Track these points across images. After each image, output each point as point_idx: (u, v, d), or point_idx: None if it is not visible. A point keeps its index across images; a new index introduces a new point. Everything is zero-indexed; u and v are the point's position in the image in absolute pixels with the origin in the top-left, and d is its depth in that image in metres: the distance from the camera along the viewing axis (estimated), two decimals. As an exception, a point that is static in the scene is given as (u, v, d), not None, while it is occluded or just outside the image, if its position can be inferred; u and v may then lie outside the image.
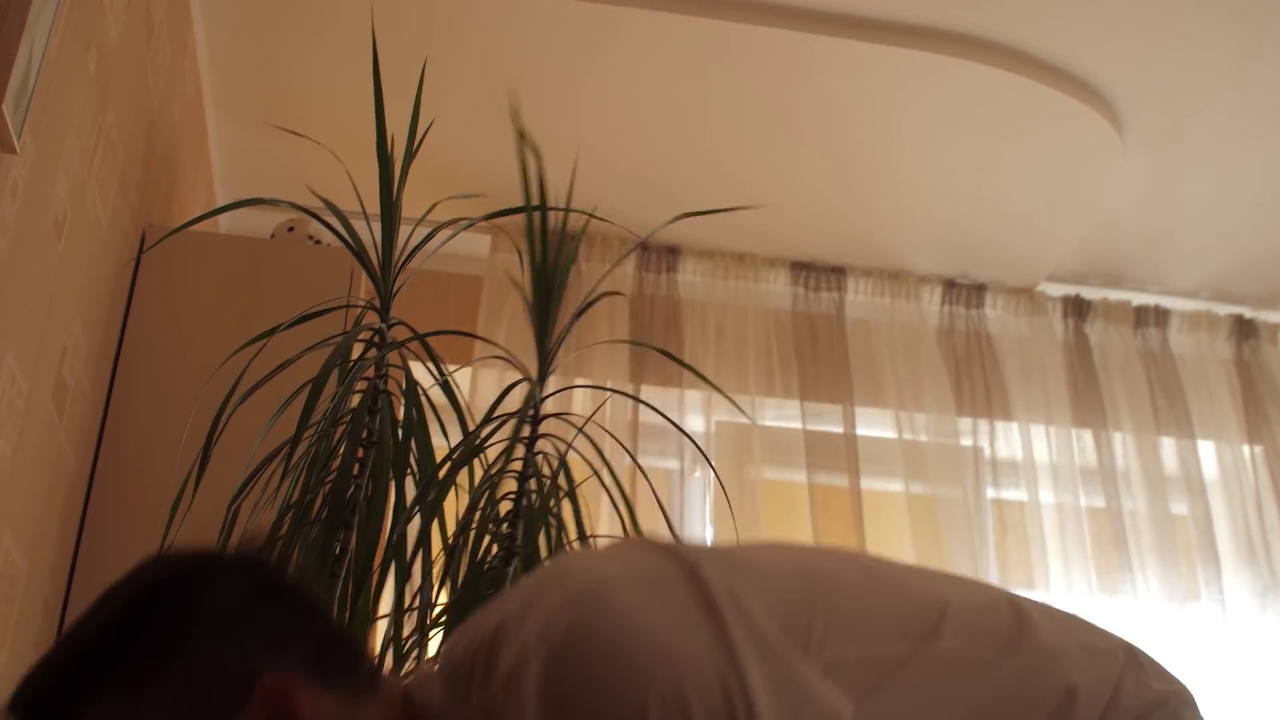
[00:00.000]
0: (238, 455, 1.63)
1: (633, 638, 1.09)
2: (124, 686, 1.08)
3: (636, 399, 2.96)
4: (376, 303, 1.68)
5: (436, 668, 1.20)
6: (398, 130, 1.78)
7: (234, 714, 1.09)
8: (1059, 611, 1.37)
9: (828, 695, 1.15)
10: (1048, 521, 3.43)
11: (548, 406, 1.73)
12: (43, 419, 1.92)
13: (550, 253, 1.65)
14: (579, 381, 3.14)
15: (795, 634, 1.18)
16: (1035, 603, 1.37)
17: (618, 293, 3.29)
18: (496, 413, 1.73)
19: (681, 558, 1.17)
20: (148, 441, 2.23)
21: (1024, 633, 1.31)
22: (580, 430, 1.75)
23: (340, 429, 1.55)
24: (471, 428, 1.68)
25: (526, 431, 1.66)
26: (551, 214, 1.70)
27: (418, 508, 1.54)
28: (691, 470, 3.34)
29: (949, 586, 1.35)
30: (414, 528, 1.57)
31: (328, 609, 1.22)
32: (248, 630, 1.12)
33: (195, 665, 1.09)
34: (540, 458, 1.70)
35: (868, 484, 3.34)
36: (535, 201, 1.69)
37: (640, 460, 3.02)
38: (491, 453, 1.70)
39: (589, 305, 1.74)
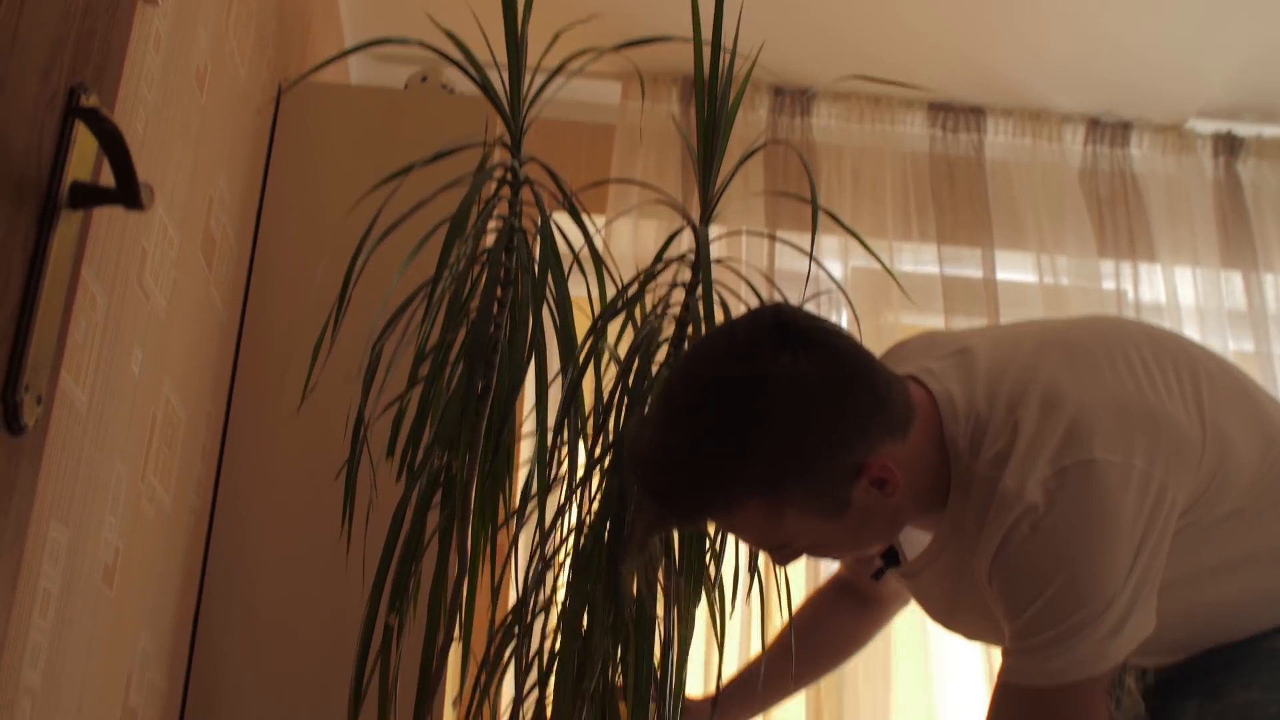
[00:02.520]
0: (378, 298, 1.66)
1: (1103, 531, 1.31)
2: (764, 491, 1.32)
3: (776, 238, 2.94)
4: (508, 138, 1.68)
5: (960, 400, 1.42)
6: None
7: (849, 493, 1.35)
8: None
9: (1151, 610, 1.35)
10: (1193, 365, 3.34)
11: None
12: (193, 271, 1.97)
13: (717, 95, 1.62)
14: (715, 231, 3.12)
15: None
16: None
17: (783, 141, 3.26)
18: (651, 260, 1.72)
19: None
20: (291, 289, 2.28)
21: None
22: (739, 275, 1.75)
23: (478, 268, 1.56)
24: (613, 275, 1.68)
25: (688, 277, 1.66)
26: (702, 57, 1.67)
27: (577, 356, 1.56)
28: (828, 317, 3.32)
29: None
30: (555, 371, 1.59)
31: (878, 368, 1.40)
32: (849, 421, 1.34)
33: (817, 463, 1.33)
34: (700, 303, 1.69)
35: (1007, 329, 3.28)
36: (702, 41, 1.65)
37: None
38: (648, 300, 1.70)
39: (754, 152, 1.72)
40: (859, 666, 2.88)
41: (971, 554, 1.39)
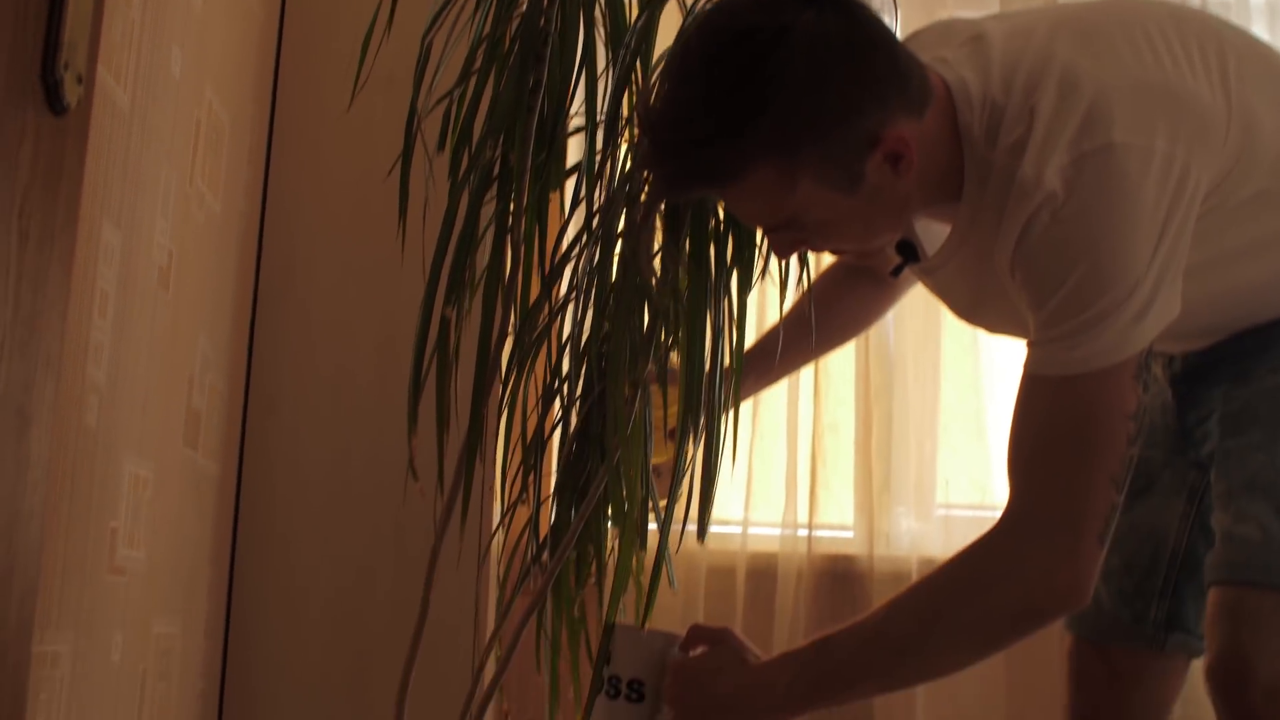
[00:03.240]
0: (423, -7, 1.60)
1: (1125, 216, 1.28)
2: (779, 153, 1.28)
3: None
4: None
5: (975, 88, 1.38)
6: None
7: (863, 165, 1.31)
8: None
9: (1176, 293, 1.34)
10: None
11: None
12: (227, -32, 1.92)
13: None
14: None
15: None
16: None
17: None
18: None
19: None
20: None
21: None
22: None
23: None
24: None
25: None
26: None
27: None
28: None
29: None
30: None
31: (899, 43, 1.37)
32: (869, 87, 1.29)
33: (834, 125, 1.28)
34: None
35: None
36: None
37: None
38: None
39: None
40: (909, 369, 2.91)
41: (991, 246, 1.36)
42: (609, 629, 1.48)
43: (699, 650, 1.47)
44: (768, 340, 1.71)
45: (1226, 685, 1.49)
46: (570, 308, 1.53)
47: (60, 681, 1.41)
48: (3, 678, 0.98)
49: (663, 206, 1.48)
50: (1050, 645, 2.55)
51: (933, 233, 1.50)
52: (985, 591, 1.35)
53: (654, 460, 1.60)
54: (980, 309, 1.55)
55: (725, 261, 1.50)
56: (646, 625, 1.54)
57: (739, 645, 1.45)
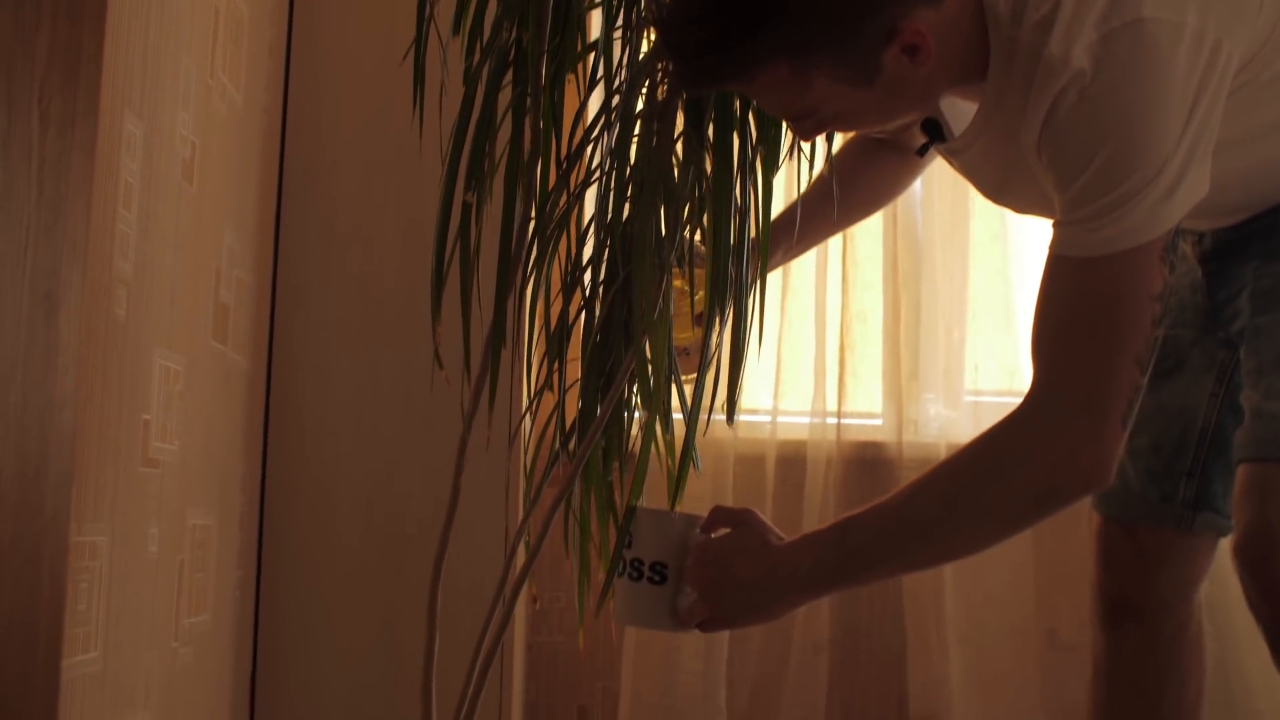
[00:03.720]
0: None
1: (1153, 94, 1.26)
2: (792, 53, 1.27)
3: None
4: None
5: None
6: None
7: (879, 59, 1.30)
8: None
9: (1205, 171, 1.32)
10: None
11: None
12: None
13: None
14: None
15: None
16: None
17: None
18: None
19: None
20: None
21: None
22: None
23: None
24: None
25: None
26: None
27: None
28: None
29: None
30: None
31: None
32: None
33: (847, 22, 1.27)
34: None
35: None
36: None
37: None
38: None
39: None
40: (937, 255, 2.89)
41: (1018, 126, 1.34)
42: (630, 512, 1.49)
43: (721, 532, 1.48)
44: (790, 212, 1.71)
45: (1254, 560, 1.50)
46: (592, 191, 1.52)
47: (99, 572, 1.44)
48: (42, 563, 1.00)
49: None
50: (1078, 526, 2.57)
51: (959, 110, 1.49)
52: (1008, 472, 1.35)
53: (679, 341, 1.60)
54: (1007, 190, 1.54)
55: (749, 142, 1.49)
56: (675, 509, 1.55)
57: (761, 527, 1.46)
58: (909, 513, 1.38)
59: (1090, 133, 1.29)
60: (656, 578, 1.46)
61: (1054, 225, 1.36)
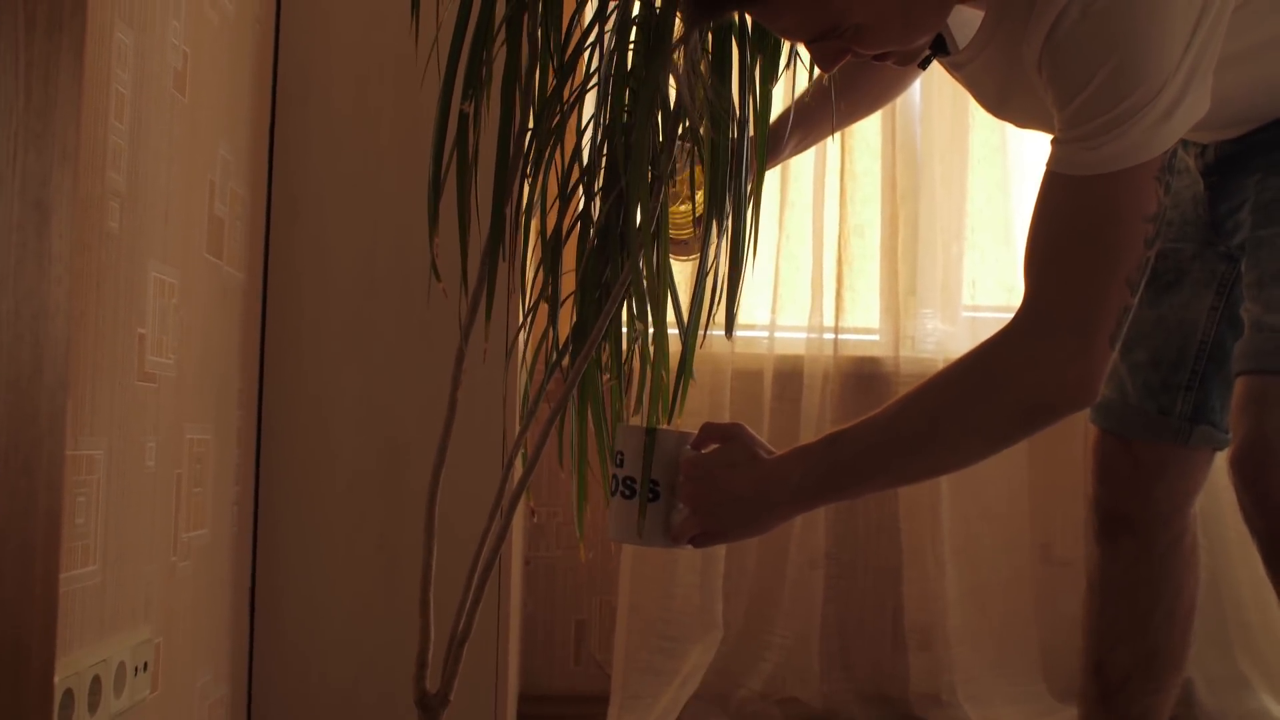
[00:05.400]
0: None
1: (1157, 11, 1.24)
2: None
3: None
4: None
5: None
6: None
7: None
8: None
9: (1206, 90, 1.30)
10: None
11: None
12: None
13: None
14: None
15: None
16: None
17: None
18: None
19: None
20: None
21: None
22: None
23: None
24: None
25: None
26: None
27: None
28: None
29: None
30: None
31: None
32: None
33: None
34: None
35: None
36: None
37: None
38: None
39: None
40: (936, 171, 2.87)
41: (1020, 41, 1.32)
42: (620, 430, 1.49)
43: (711, 448, 1.48)
44: (787, 114, 1.69)
45: (1250, 472, 1.50)
46: (589, 99, 1.50)
47: (97, 485, 1.44)
48: (38, 474, 1.00)
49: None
50: (1073, 441, 2.58)
51: (963, 20, 1.46)
52: (995, 387, 1.35)
53: (678, 236, 1.59)
54: (1008, 104, 1.52)
55: (747, 50, 1.47)
56: (673, 423, 1.55)
57: (751, 441, 1.46)
58: (897, 426, 1.38)
59: (1092, 50, 1.27)
60: (650, 495, 1.46)
61: (1051, 142, 1.35)
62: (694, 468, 1.46)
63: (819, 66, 1.39)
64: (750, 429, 1.47)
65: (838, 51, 1.36)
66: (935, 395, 1.38)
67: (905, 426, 1.38)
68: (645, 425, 1.50)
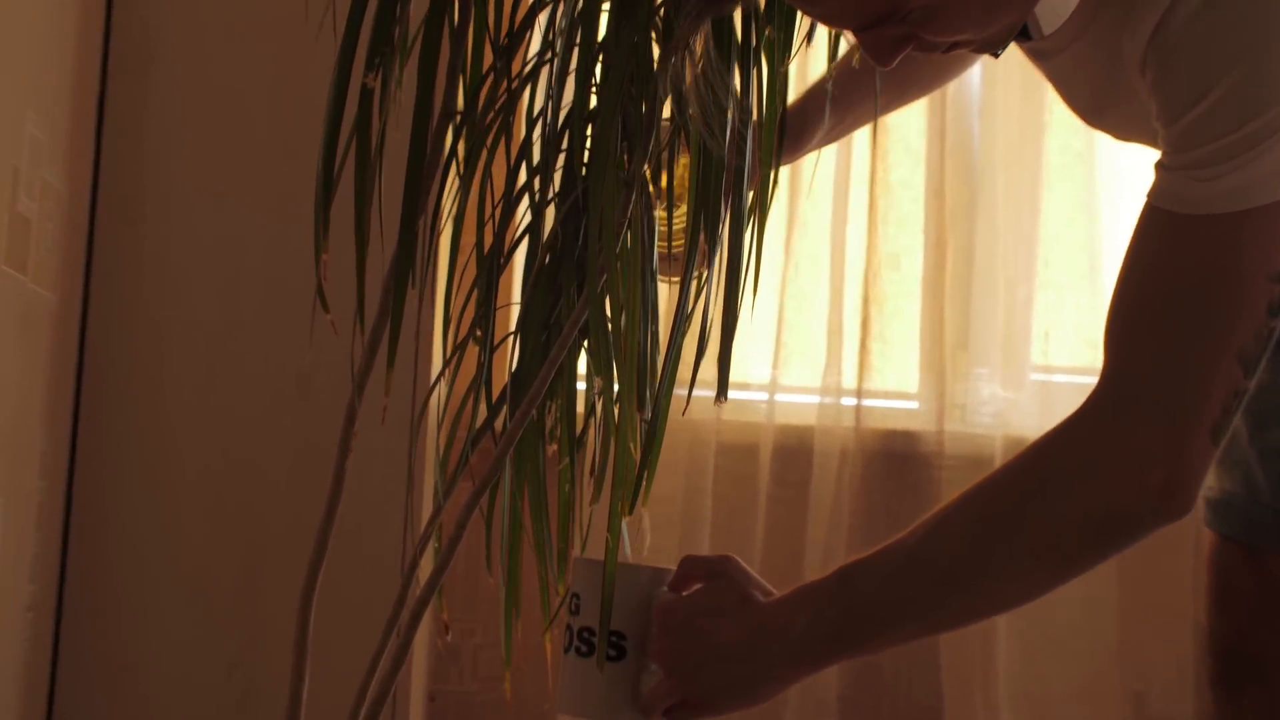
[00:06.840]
0: None
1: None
2: None
3: None
4: None
5: None
6: None
7: None
8: None
9: None
10: None
11: None
12: None
13: None
14: None
15: None
16: None
17: None
18: None
19: None
20: None
21: None
22: None
23: None
24: None
25: None
26: None
27: None
28: None
29: None
30: None
31: None
32: None
33: None
34: None
35: None
36: None
37: None
38: None
39: None
40: (999, 182, 2.90)
41: (1121, 32, 1.35)
42: (575, 564, 1.50)
43: (694, 589, 1.50)
44: (804, 101, 1.72)
45: None
46: (542, 75, 1.52)
47: None
48: None
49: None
50: (1179, 550, 2.59)
51: (1055, 1, 1.49)
52: (1057, 493, 1.36)
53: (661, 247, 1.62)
54: (1105, 111, 1.54)
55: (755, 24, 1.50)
56: (637, 509, 1.56)
57: (743, 578, 1.47)
58: (930, 554, 1.39)
59: (1213, 51, 1.29)
60: (613, 652, 1.47)
61: (1154, 166, 1.37)
62: (669, 616, 1.47)
63: (875, 60, 1.40)
64: (742, 562, 1.48)
65: (897, 40, 1.37)
66: (980, 509, 1.39)
67: (940, 553, 1.39)
68: (604, 557, 1.51)
